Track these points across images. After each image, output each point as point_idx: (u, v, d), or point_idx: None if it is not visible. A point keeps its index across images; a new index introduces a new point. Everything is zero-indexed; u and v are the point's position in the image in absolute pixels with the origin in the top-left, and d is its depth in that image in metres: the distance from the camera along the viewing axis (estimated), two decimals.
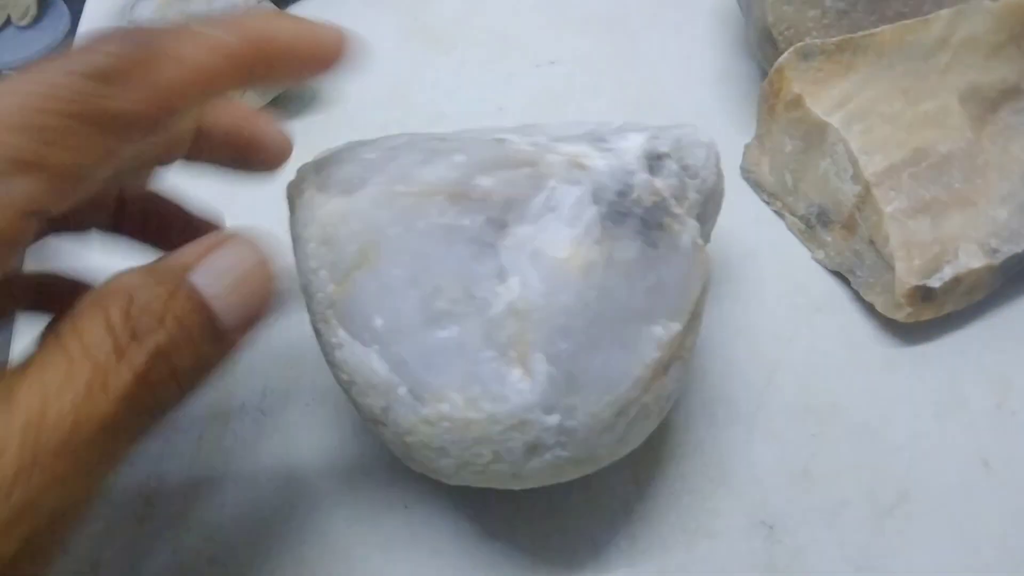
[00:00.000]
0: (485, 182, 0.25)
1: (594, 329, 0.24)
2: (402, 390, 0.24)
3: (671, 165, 0.28)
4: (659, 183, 0.27)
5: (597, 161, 0.26)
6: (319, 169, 0.27)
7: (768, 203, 0.39)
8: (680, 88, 0.44)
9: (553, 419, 0.23)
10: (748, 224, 0.39)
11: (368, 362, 0.24)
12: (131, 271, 0.20)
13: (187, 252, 0.21)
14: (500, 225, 0.24)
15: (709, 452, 0.32)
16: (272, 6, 0.43)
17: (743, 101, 0.43)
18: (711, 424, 0.33)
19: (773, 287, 0.37)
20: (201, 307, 0.20)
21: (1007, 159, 0.34)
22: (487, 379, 0.23)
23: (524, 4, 0.49)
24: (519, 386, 0.23)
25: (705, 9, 0.48)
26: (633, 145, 0.27)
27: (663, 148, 0.28)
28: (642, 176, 0.26)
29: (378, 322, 0.24)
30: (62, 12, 1.30)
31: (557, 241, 0.24)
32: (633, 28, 0.47)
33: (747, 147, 0.39)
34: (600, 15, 0.48)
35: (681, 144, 0.29)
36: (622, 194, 0.25)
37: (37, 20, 1.28)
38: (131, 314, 0.19)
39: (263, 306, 0.21)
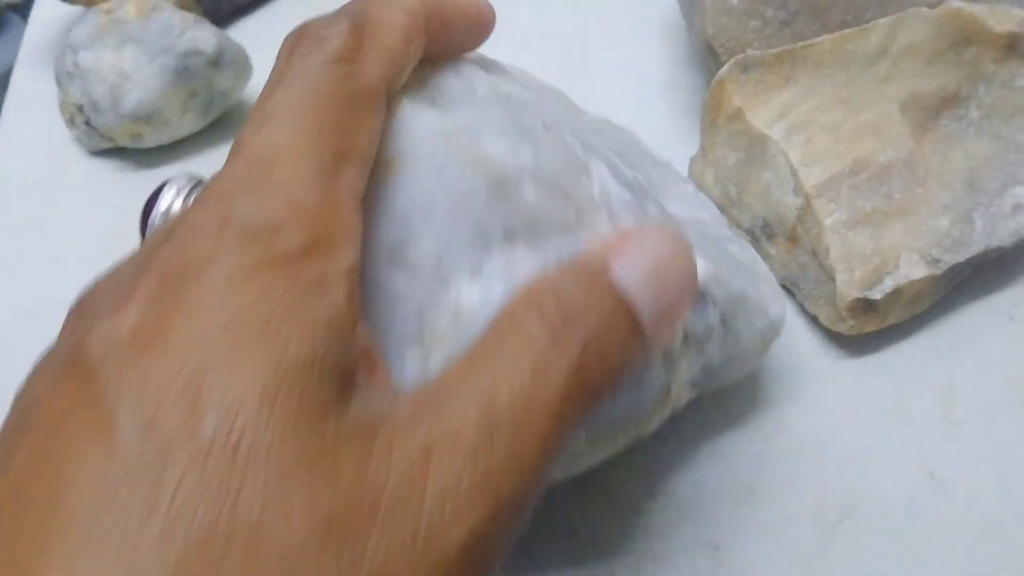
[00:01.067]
0: (529, 194, 0.23)
1: None
2: None
3: (712, 313, 0.27)
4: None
5: None
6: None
7: None
8: (627, 99, 0.44)
9: None
10: None
11: None
12: (554, 269, 0.20)
13: (605, 245, 0.21)
14: (502, 238, 0.23)
15: (655, 472, 0.32)
16: (208, 23, 0.42)
17: (690, 112, 0.43)
18: (655, 443, 0.33)
19: None
20: (623, 302, 0.20)
21: (948, 167, 0.34)
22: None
23: None
24: None
25: (653, 19, 0.47)
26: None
27: (715, 292, 0.27)
28: None
29: None
30: (19, 30, 1.28)
31: None
32: (582, 39, 0.47)
33: (692, 159, 0.39)
34: (549, 26, 0.48)
35: (744, 306, 0.28)
36: None
37: None
38: (561, 309, 0.19)
39: (682, 301, 0.21)
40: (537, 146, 0.23)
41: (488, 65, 0.27)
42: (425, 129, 0.22)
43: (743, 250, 0.31)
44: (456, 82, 0.24)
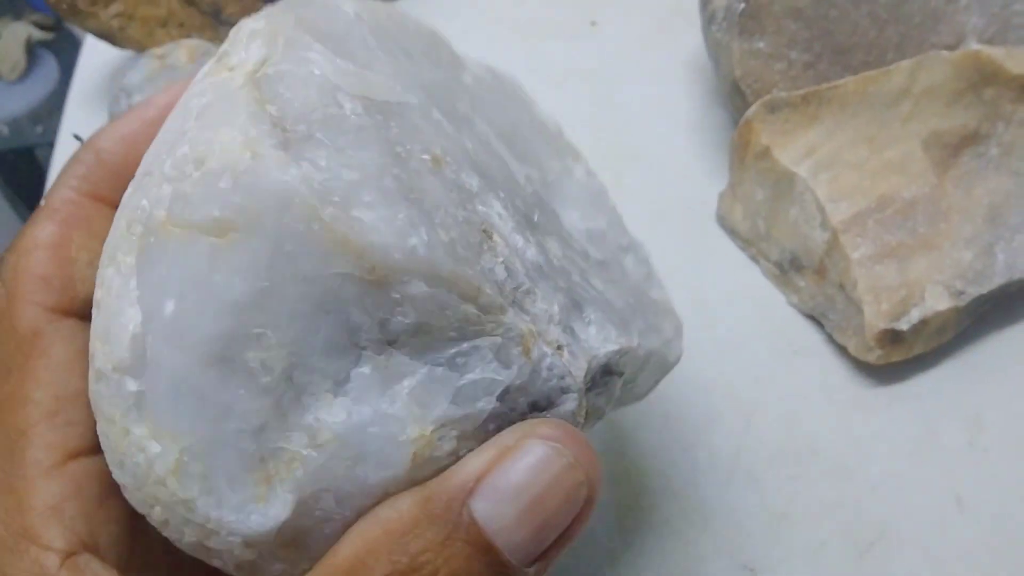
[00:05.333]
0: (417, 289, 0.18)
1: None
2: None
3: (616, 386, 0.23)
4: (588, 404, 0.22)
5: (546, 357, 0.20)
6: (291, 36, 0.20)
7: (743, 249, 0.40)
8: (656, 138, 0.45)
9: None
10: (725, 270, 0.40)
11: None
12: (402, 499, 0.17)
13: (470, 465, 0.18)
14: (377, 342, 0.18)
15: (691, 498, 0.33)
16: None
17: (717, 149, 0.44)
18: (692, 470, 0.34)
19: (750, 331, 0.38)
20: (485, 549, 0.17)
21: (970, 202, 0.35)
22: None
23: (505, 59, 0.50)
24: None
25: (680, 60, 0.49)
26: (598, 351, 0.22)
27: (624, 368, 0.23)
28: (571, 403, 0.20)
29: None
30: (51, 67, 1.32)
31: (416, 411, 0.18)
32: (610, 80, 0.49)
33: (721, 195, 0.41)
34: (578, 68, 0.49)
35: (648, 362, 0.25)
36: (532, 406, 0.20)
37: (25, 74, 1.30)
38: (412, 562, 0.16)
39: (569, 533, 0.18)
40: (428, 217, 0.18)
41: (348, 39, 0.21)
42: (271, 188, 0.17)
43: (638, 263, 0.28)
44: (313, 95, 0.18)
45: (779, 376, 0.36)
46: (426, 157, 0.20)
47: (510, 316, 0.19)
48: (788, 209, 0.37)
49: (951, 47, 0.39)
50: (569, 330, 0.21)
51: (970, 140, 0.36)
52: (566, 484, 0.18)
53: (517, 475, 0.17)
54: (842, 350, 0.36)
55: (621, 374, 0.23)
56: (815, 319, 0.37)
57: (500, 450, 0.18)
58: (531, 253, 0.21)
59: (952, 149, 0.36)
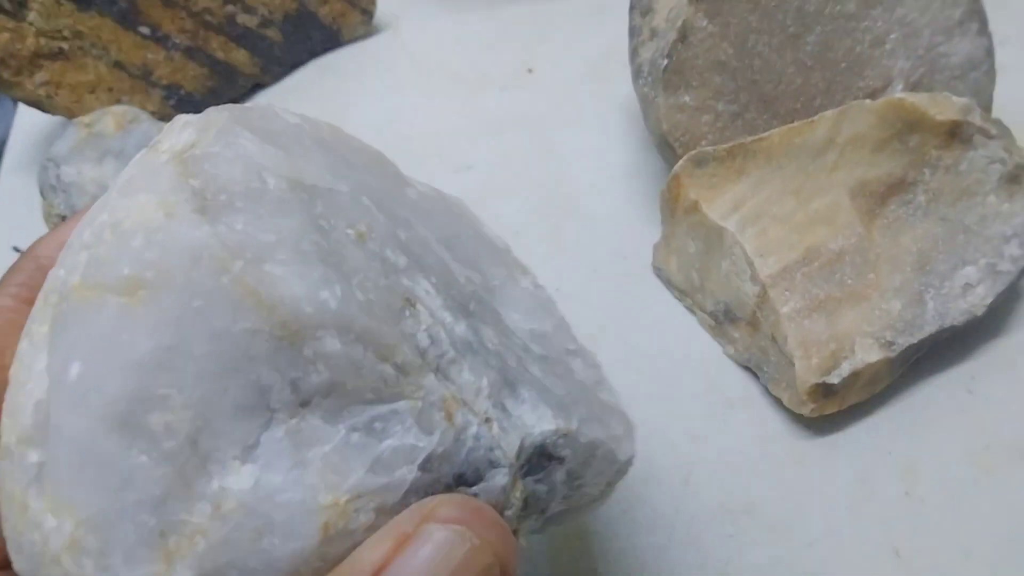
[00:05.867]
0: (332, 346, 0.18)
1: None
2: None
3: (558, 475, 0.22)
4: (525, 488, 0.21)
5: (472, 425, 0.19)
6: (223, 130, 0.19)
7: (680, 300, 0.40)
8: (592, 187, 0.45)
9: None
10: (661, 321, 0.40)
11: None
12: None
13: (367, 558, 0.17)
14: (289, 405, 0.18)
15: (630, 559, 0.33)
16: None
17: (654, 197, 0.44)
18: (632, 531, 0.34)
19: (687, 385, 0.38)
20: None
21: (898, 251, 0.35)
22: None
23: (444, 108, 0.50)
24: None
25: (616, 105, 0.49)
26: (532, 429, 0.21)
27: (564, 452, 0.22)
28: (501, 478, 0.20)
29: None
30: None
31: (330, 479, 0.17)
32: (547, 128, 0.49)
33: (656, 246, 0.41)
34: (516, 116, 0.49)
35: (593, 455, 0.23)
36: (459, 479, 0.19)
37: None
38: None
39: None
40: (345, 278, 0.18)
41: (284, 136, 0.21)
42: (182, 243, 0.17)
43: (588, 367, 0.26)
44: (238, 172, 0.18)
45: (717, 430, 0.36)
46: (350, 232, 0.20)
47: (431, 380, 0.19)
48: (720, 262, 0.36)
49: (879, 90, 0.40)
50: (500, 405, 0.20)
51: (897, 188, 0.36)
52: (473, 569, 0.17)
53: (418, 567, 0.16)
54: (778, 401, 0.36)
55: (562, 460, 0.21)
56: (751, 371, 0.37)
57: (398, 539, 0.17)
58: (460, 329, 0.21)
59: (879, 197, 0.36)
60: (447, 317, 0.21)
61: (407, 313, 0.20)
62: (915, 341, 0.34)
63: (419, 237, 0.23)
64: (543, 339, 0.26)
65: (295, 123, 0.22)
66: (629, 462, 0.25)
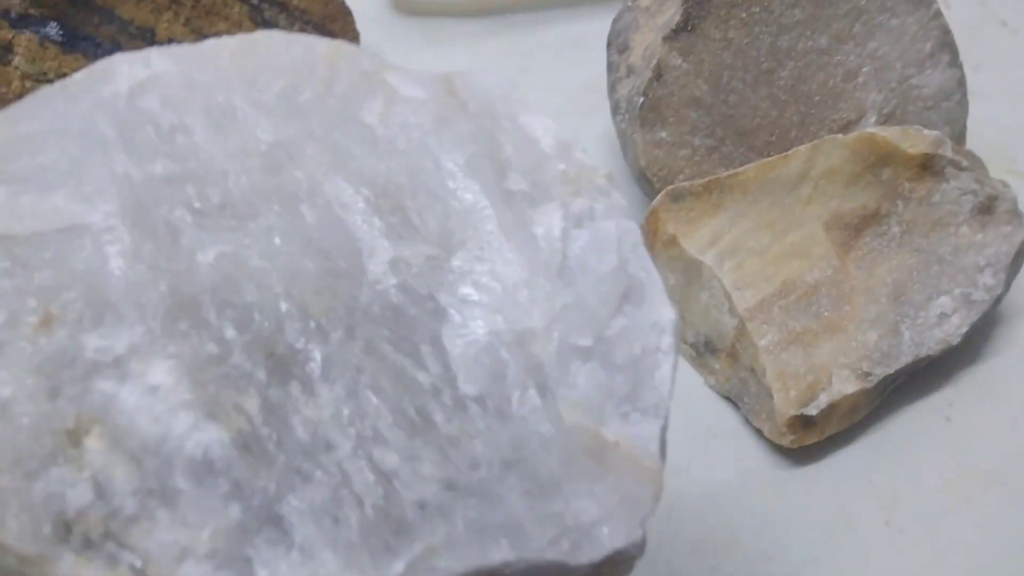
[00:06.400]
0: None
1: None
2: None
3: None
4: None
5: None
6: None
7: None
8: None
9: None
10: None
11: None
12: None
13: None
14: None
15: None
16: None
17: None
18: None
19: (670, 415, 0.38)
20: None
21: (873, 282, 0.36)
22: None
23: None
24: None
25: (596, 136, 0.50)
26: None
27: None
28: None
29: None
30: None
31: None
32: None
33: None
34: None
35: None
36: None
37: None
38: None
39: None
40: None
41: (45, 149, 0.18)
42: None
43: (609, 372, 0.20)
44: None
45: (698, 461, 0.36)
46: (33, 320, 0.16)
47: (67, 565, 0.14)
48: (699, 294, 0.37)
49: (853, 122, 0.40)
50: (234, 562, 0.15)
51: (871, 220, 0.37)
52: None
53: None
54: (759, 432, 0.36)
55: None
56: (731, 401, 0.38)
57: None
58: (208, 437, 0.16)
59: (853, 230, 0.37)
60: (182, 426, 0.16)
61: (61, 459, 0.15)
62: (891, 371, 0.35)
63: (319, 216, 0.19)
64: (514, 347, 0.19)
65: (128, 89, 0.19)
66: (632, 549, 0.19)
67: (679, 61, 0.38)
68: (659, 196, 0.37)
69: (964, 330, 0.36)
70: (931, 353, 0.35)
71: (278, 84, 0.20)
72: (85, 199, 0.18)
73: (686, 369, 0.39)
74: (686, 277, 0.37)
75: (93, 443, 0.16)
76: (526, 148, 0.21)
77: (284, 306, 0.18)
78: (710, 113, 0.39)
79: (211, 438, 0.16)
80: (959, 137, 0.41)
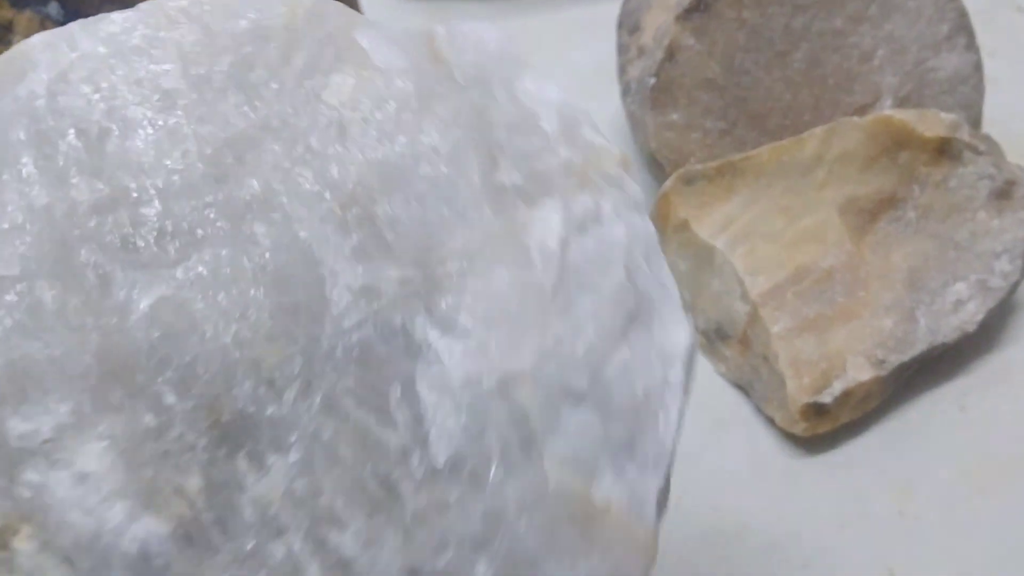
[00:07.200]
0: None
1: None
2: None
3: None
4: None
5: None
6: None
7: None
8: None
9: None
10: None
11: None
12: None
13: None
14: None
15: None
16: None
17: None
18: None
19: None
20: None
21: (888, 268, 0.35)
22: None
23: None
24: None
25: (605, 120, 0.49)
26: None
27: None
28: None
29: None
30: None
31: None
32: None
33: None
34: None
35: None
36: None
37: None
38: None
39: None
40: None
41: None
42: None
43: (607, 420, 0.17)
44: None
45: (709, 450, 0.36)
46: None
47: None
48: (710, 281, 0.36)
49: (868, 106, 0.40)
50: None
51: (887, 204, 0.36)
52: None
53: None
54: (770, 420, 0.36)
55: None
56: (742, 389, 0.37)
57: None
58: (145, 530, 0.15)
59: (869, 215, 0.36)
60: (114, 518, 0.15)
61: None
62: (907, 359, 0.34)
63: (260, 253, 0.16)
64: (496, 396, 0.17)
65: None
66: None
67: (692, 41, 0.37)
68: (670, 179, 0.37)
69: (980, 317, 0.35)
70: (946, 340, 0.35)
71: (226, 59, 0.17)
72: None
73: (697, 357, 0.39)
74: (697, 263, 0.37)
75: (22, 545, 0.14)
76: (523, 128, 0.18)
77: (232, 359, 0.15)
78: (723, 95, 0.38)
79: (148, 530, 0.14)
80: (975, 122, 0.40)
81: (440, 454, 0.16)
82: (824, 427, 0.34)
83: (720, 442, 0.36)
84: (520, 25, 0.54)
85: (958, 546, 0.33)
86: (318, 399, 0.16)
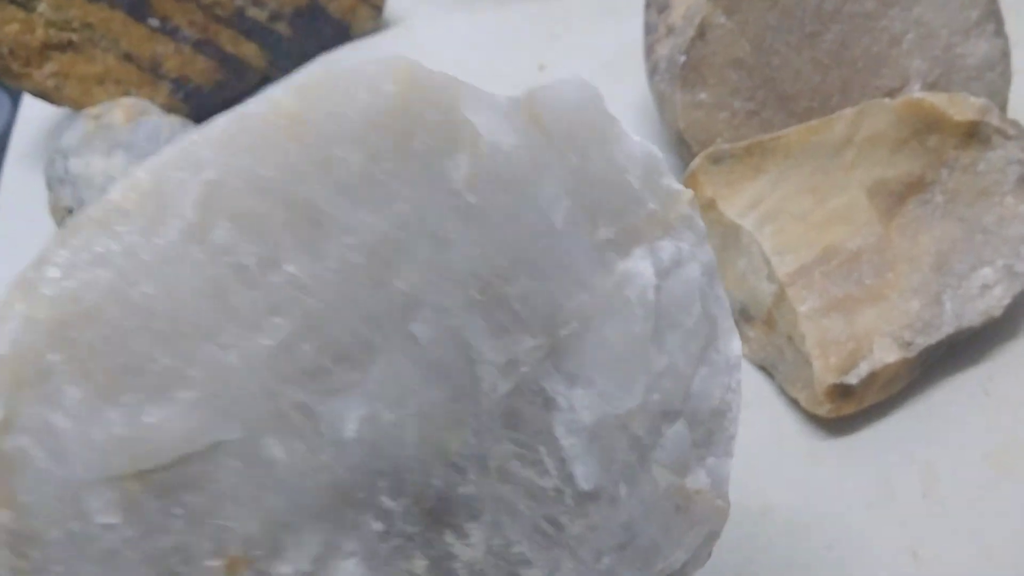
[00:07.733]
0: None
1: None
2: None
3: None
4: None
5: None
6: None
7: None
8: None
9: None
10: None
11: None
12: None
13: None
14: None
15: None
16: (193, 127, 0.43)
17: None
18: None
19: None
20: None
21: (916, 251, 0.35)
22: None
23: None
24: None
25: (628, 102, 0.49)
26: None
27: None
28: None
29: None
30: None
31: None
32: None
33: None
34: None
35: None
36: None
37: None
38: None
39: None
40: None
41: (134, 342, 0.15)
42: None
43: (684, 435, 0.21)
44: (53, 507, 0.15)
45: None
46: (214, 563, 0.15)
47: None
48: (736, 260, 0.36)
49: (896, 90, 0.39)
50: None
51: (915, 187, 0.36)
52: None
53: None
54: (793, 402, 0.36)
55: None
56: (765, 370, 0.37)
57: None
58: None
59: (897, 197, 0.36)
60: None
61: None
62: (933, 342, 0.34)
63: (424, 353, 0.17)
64: (617, 431, 0.19)
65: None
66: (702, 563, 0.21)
67: (723, 20, 0.37)
68: (698, 158, 0.36)
69: (1006, 302, 0.35)
70: (972, 324, 0.35)
71: (357, 158, 0.16)
72: (213, 408, 0.15)
73: None
74: (723, 242, 0.37)
75: None
76: (615, 185, 0.19)
77: (425, 455, 0.17)
78: (751, 75, 0.38)
79: None
80: (1001, 110, 0.40)
81: (584, 488, 0.19)
82: (848, 409, 0.34)
83: (744, 423, 0.36)
84: (543, 8, 0.54)
85: (982, 528, 0.33)
86: (493, 470, 0.18)
